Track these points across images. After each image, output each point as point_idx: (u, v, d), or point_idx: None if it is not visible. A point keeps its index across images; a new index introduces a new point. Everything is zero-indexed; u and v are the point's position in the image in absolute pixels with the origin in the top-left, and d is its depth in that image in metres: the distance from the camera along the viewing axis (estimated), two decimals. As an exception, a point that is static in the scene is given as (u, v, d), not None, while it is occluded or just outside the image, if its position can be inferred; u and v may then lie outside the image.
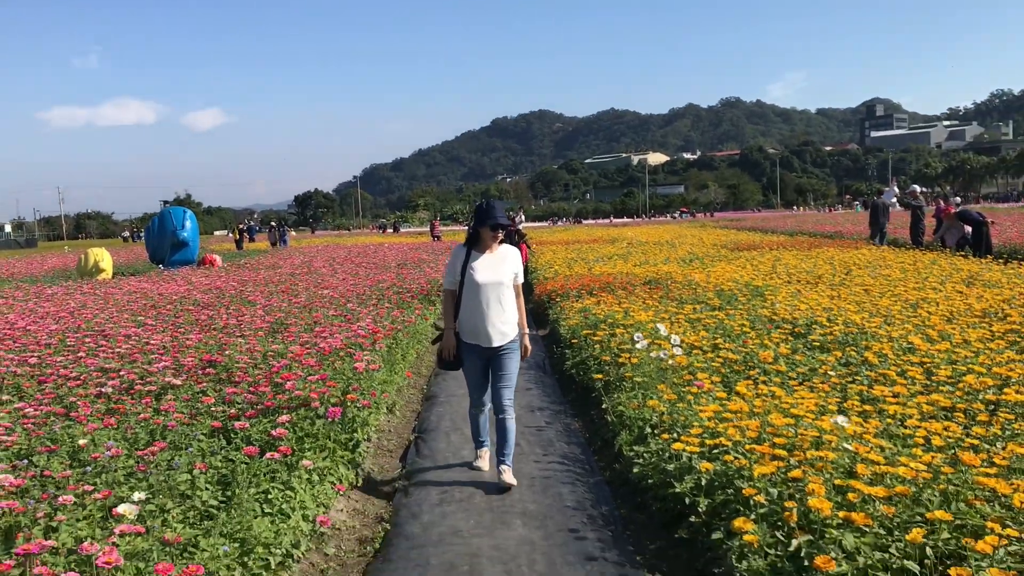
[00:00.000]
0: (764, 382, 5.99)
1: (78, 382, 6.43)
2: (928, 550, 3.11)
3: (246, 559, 3.68)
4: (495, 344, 5.31)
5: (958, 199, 32.53)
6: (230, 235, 63.82)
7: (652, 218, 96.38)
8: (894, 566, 3.03)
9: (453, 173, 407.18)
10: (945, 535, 3.18)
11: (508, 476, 5.35)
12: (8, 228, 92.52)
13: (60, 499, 3.79)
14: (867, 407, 5.01)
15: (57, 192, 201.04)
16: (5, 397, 6.10)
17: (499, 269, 5.33)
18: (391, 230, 75.77)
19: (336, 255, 25.88)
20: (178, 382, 6.30)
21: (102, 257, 22.85)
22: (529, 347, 5.61)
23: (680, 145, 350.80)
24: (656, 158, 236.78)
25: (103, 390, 6.15)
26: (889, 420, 4.75)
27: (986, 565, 2.84)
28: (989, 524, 3.13)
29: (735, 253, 19.58)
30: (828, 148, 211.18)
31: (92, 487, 3.99)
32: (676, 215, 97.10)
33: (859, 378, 5.92)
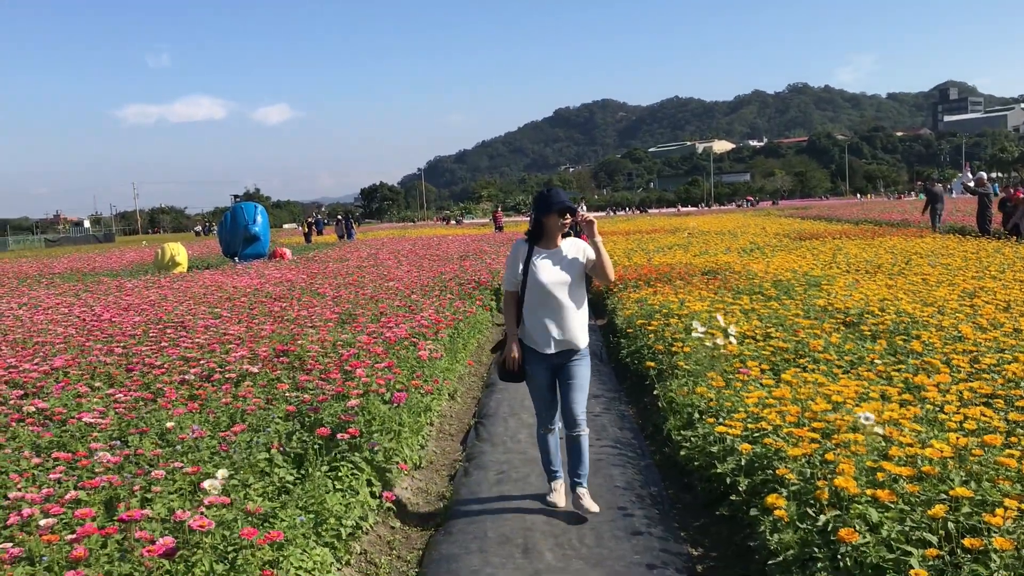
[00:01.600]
0: (811, 370, 6.18)
1: (162, 370, 6.92)
2: (950, 524, 3.32)
3: (319, 529, 4.06)
4: (564, 350, 4.72)
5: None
6: (299, 228, 65.31)
7: (715, 207, 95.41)
8: (914, 537, 3.26)
9: (516, 164, 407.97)
10: (966, 510, 3.39)
11: (588, 501, 4.78)
12: (87, 224, 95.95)
13: (153, 474, 4.22)
14: (907, 396, 5.18)
15: (132, 188, 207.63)
16: (97, 384, 6.62)
17: (566, 266, 4.71)
18: (454, 222, 76.51)
19: (401, 247, 26.45)
20: (255, 370, 6.75)
21: (178, 251, 23.75)
22: (595, 221, 4.80)
23: (746, 132, 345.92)
24: (721, 146, 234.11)
25: (186, 377, 6.62)
26: (928, 406, 4.92)
27: (996, 535, 3.05)
28: (1007, 501, 3.33)
29: (797, 243, 19.53)
30: (899, 133, 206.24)
31: (180, 464, 4.42)
32: (740, 204, 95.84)
33: (904, 366, 6.07)
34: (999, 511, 3.18)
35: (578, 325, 4.74)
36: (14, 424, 5.41)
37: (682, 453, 5.27)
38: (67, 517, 3.66)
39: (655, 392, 6.81)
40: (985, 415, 4.56)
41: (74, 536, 3.39)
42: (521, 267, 4.74)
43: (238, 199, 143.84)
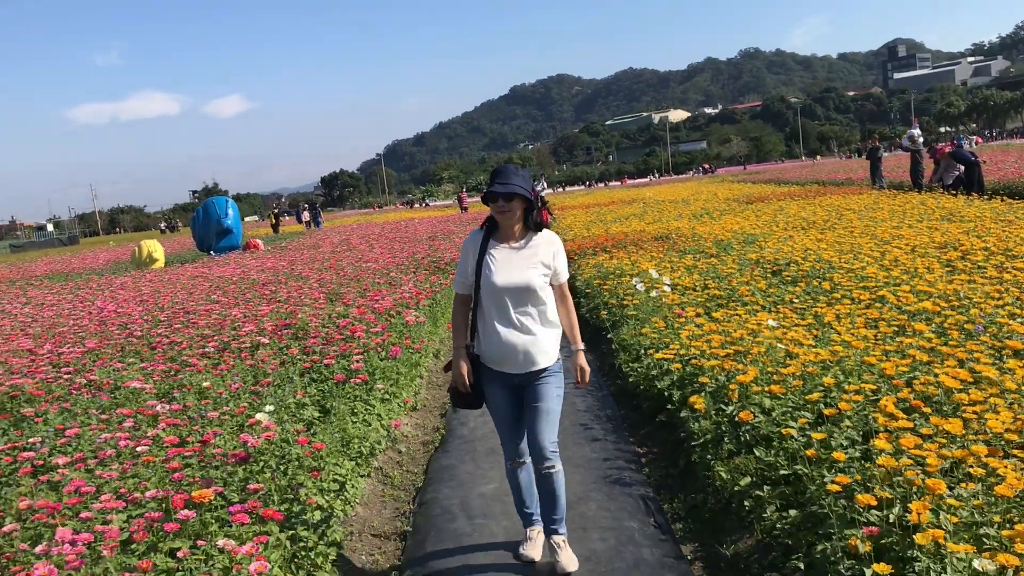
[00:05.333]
0: (737, 310, 7.37)
1: (183, 345, 7.97)
2: (820, 405, 4.51)
3: (345, 448, 5.17)
4: (526, 370, 3.80)
5: (972, 138, 33.08)
6: (261, 220, 65.84)
7: (672, 176, 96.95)
8: (795, 415, 4.43)
9: (475, 144, 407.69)
10: (833, 395, 4.57)
11: (566, 555, 3.91)
12: (50, 227, 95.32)
13: (208, 415, 5.30)
14: (810, 320, 6.39)
15: (90, 189, 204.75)
16: (131, 360, 7.65)
17: (527, 265, 3.77)
18: (419, 205, 77.29)
19: (370, 232, 27.41)
20: (265, 340, 7.81)
21: (155, 248, 24.53)
22: (586, 368, 3.93)
23: (701, 100, 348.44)
24: (677, 115, 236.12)
25: (205, 350, 7.68)
26: (825, 329, 6.13)
27: (846, 403, 4.23)
28: (864, 386, 4.52)
29: (744, 206, 20.81)
30: (851, 93, 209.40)
31: (227, 408, 5.50)
32: (695, 172, 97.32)
33: (815, 302, 7.28)
34: (852, 393, 4.36)
35: (544, 337, 3.80)
36: (74, 393, 6.44)
37: (631, 380, 6.46)
38: (153, 450, 4.73)
39: (609, 338, 7.99)
40: (868, 333, 5.77)
41: (164, 457, 4.47)
42: (473, 265, 3.85)
43: (197, 194, 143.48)
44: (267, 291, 12.10)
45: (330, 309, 9.25)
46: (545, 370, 3.84)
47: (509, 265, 3.79)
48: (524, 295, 3.77)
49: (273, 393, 5.90)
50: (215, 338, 8.11)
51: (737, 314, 6.90)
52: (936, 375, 4.45)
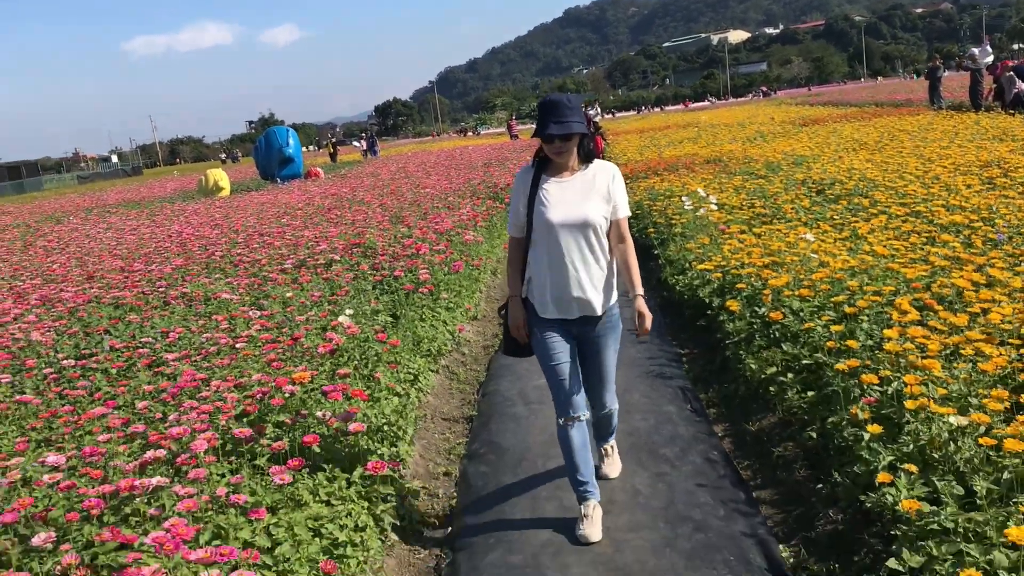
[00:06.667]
0: (779, 227, 7.78)
1: (263, 263, 8.67)
2: (845, 307, 4.97)
3: (417, 347, 5.81)
4: (582, 315, 3.55)
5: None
6: (317, 150, 66.87)
7: (730, 100, 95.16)
8: (824, 315, 4.91)
9: (528, 69, 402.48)
10: (857, 297, 5.04)
11: (611, 461, 4.04)
12: (115, 159, 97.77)
13: (296, 319, 5.96)
14: (845, 233, 6.80)
15: (149, 121, 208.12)
16: (216, 276, 8.38)
17: (584, 200, 3.49)
18: (471, 133, 77.41)
19: (426, 160, 27.93)
20: (337, 258, 8.46)
21: (220, 177, 25.39)
22: (647, 315, 3.59)
23: (762, 20, 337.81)
24: (737, 36, 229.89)
25: (284, 267, 8.36)
26: (859, 241, 6.54)
27: (863, 301, 4.70)
28: (886, 288, 4.97)
29: (798, 128, 20.82)
30: (919, 10, 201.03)
31: (311, 314, 6.16)
32: (752, 95, 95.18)
33: (854, 218, 7.66)
34: (871, 294, 4.83)
35: (602, 281, 3.54)
36: (170, 303, 7.18)
37: (676, 290, 6.97)
38: (251, 347, 5.40)
39: (656, 254, 8.47)
40: (898, 244, 6.17)
41: (261, 352, 5.14)
42: (525, 203, 3.58)
43: (253, 124, 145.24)
44: (333, 215, 12.75)
45: (394, 230, 9.86)
46: (603, 317, 3.58)
47: (564, 200, 3.48)
48: (581, 233, 3.46)
49: (349, 302, 6.54)
50: (291, 256, 8.78)
51: (778, 230, 7.31)
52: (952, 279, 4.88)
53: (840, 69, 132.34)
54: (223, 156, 74.19)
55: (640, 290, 3.62)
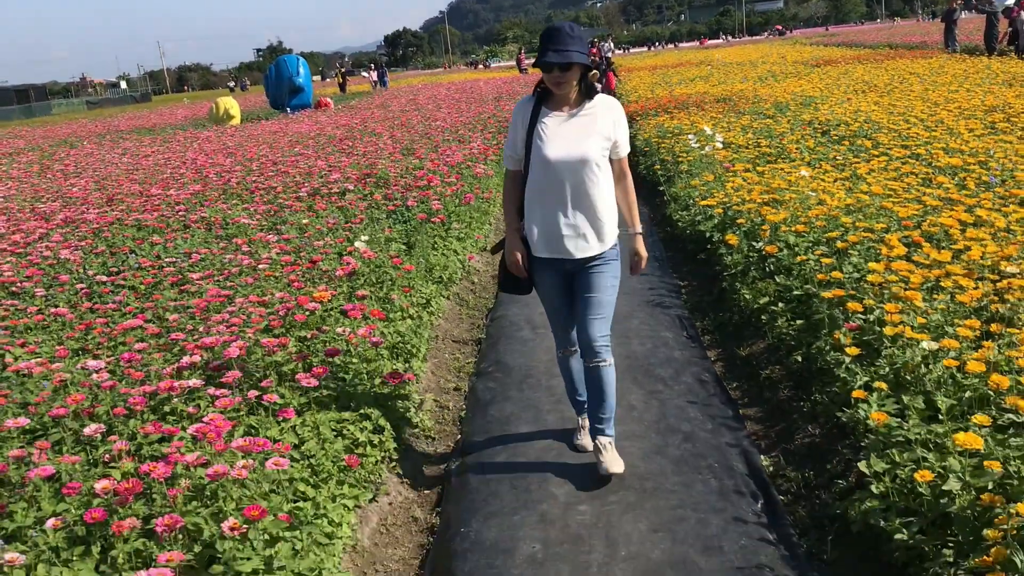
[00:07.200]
0: (782, 166, 7.98)
1: (278, 191, 8.90)
2: (838, 243, 5.22)
3: (429, 273, 6.08)
4: (579, 256, 3.45)
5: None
6: (327, 80, 66.38)
7: (745, 38, 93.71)
8: (817, 250, 5.16)
9: (541, 1, 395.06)
10: (850, 233, 5.28)
11: (609, 455, 3.57)
12: (123, 85, 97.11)
13: (314, 243, 6.23)
14: (846, 173, 7.00)
15: (157, 46, 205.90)
16: (233, 202, 8.63)
17: (583, 136, 3.38)
18: (482, 66, 76.62)
19: (436, 93, 27.87)
20: (351, 187, 8.69)
21: (231, 105, 25.42)
22: (644, 254, 3.61)
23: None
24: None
25: (299, 195, 8.59)
26: (856, 181, 6.75)
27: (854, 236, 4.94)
28: (877, 226, 5.20)
29: (810, 69, 20.75)
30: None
31: (328, 239, 6.42)
32: (768, 34, 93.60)
33: (856, 159, 7.84)
34: (862, 231, 5.07)
35: (600, 220, 3.44)
36: (190, 226, 7.45)
37: (679, 225, 7.21)
38: (272, 267, 5.67)
39: (662, 191, 8.69)
40: (895, 185, 6.38)
41: (281, 273, 5.42)
42: (523, 136, 3.48)
43: (261, 52, 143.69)
44: (344, 146, 12.93)
45: (406, 162, 10.06)
46: (600, 256, 3.47)
47: (563, 136, 3.37)
48: (580, 170, 3.35)
49: (364, 229, 6.80)
50: (306, 184, 9.01)
51: (781, 168, 7.51)
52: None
53: (858, 9, 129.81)
54: (231, 84, 73.66)
55: (639, 228, 3.60)
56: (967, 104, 10.36)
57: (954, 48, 22.40)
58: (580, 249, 3.42)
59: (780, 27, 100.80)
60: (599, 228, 3.43)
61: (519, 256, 3.56)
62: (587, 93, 3.41)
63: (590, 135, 3.37)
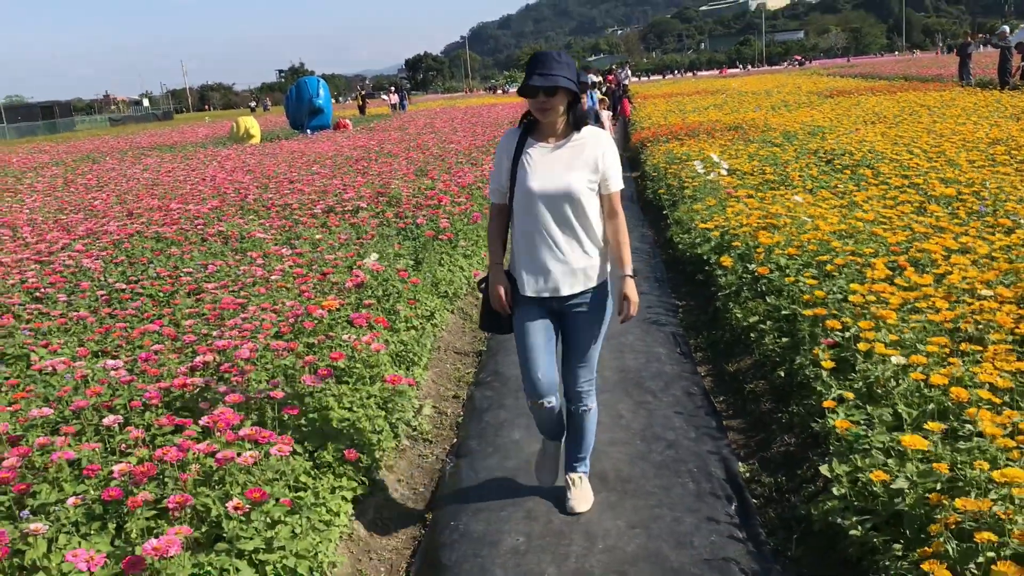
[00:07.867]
0: (783, 193, 8.19)
1: (294, 207, 9.19)
2: (827, 266, 5.42)
3: (435, 288, 6.32)
4: (565, 292, 3.26)
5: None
6: (348, 101, 67.25)
7: (764, 68, 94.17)
8: (806, 272, 5.36)
9: (561, 28, 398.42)
10: (839, 258, 5.48)
11: (578, 492, 3.52)
12: (146, 103, 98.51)
13: (326, 256, 6.48)
14: (844, 201, 7.21)
15: (181, 65, 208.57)
16: (250, 217, 8.92)
17: (568, 168, 3.21)
18: (500, 91, 77.35)
19: (454, 116, 28.29)
20: (364, 205, 8.97)
21: (251, 125, 25.91)
22: (634, 299, 3.29)
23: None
24: (775, 2, 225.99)
25: (313, 212, 8.87)
26: (853, 208, 6.95)
27: (840, 259, 5.14)
28: (865, 249, 5.41)
29: (823, 99, 20.99)
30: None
31: (339, 254, 6.67)
32: (787, 64, 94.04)
33: (855, 187, 8.05)
34: (848, 255, 5.27)
35: (586, 257, 3.26)
36: (208, 239, 7.73)
37: (679, 247, 7.42)
38: (285, 279, 5.92)
39: (666, 215, 8.91)
40: (889, 213, 6.58)
41: (293, 284, 5.67)
42: (508, 168, 3.32)
43: (283, 74, 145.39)
44: (360, 166, 13.25)
45: (419, 182, 10.34)
46: (587, 294, 3.28)
47: (547, 168, 3.19)
48: (564, 204, 3.17)
49: (374, 246, 7.05)
50: (320, 202, 9.29)
51: (782, 195, 7.72)
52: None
53: (879, 41, 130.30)
54: (253, 104, 74.62)
55: (629, 270, 3.26)
56: (971, 136, 10.55)
57: (968, 81, 22.64)
58: (566, 286, 3.23)
59: (799, 57, 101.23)
60: (585, 264, 3.24)
61: (502, 291, 3.34)
62: (575, 124, 3.24)
63: (575, 167, 3.18)
